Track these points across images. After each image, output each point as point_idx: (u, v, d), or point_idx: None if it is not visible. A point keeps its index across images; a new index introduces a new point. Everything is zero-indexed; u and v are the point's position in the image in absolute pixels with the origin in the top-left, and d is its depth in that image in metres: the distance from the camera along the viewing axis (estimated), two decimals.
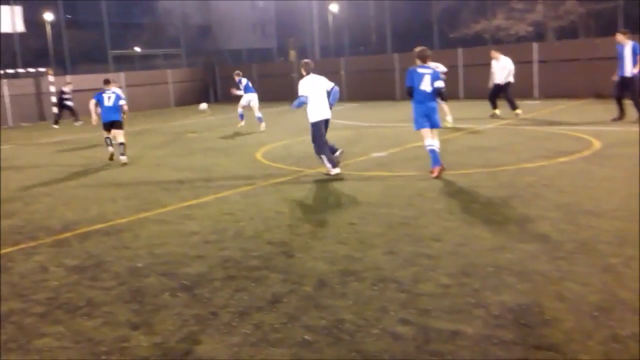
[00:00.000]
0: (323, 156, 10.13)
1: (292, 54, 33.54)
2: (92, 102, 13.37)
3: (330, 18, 37.96)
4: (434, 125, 9.40)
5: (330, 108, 10.44)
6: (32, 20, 33.53)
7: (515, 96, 17.98)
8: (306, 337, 4.23)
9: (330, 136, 14.76)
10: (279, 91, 29.88)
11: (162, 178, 10.77)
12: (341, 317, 4.51)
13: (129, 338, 4.40)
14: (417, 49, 9.49)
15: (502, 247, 5.90)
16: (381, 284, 5.11)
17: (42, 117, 26.37)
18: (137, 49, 43.00)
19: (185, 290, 5.24)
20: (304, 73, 10.56)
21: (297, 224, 7.14)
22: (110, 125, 13.08)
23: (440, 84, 9.28)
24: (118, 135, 13.08)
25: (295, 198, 8.51)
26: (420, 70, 9.29)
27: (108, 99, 13.17)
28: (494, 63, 16.77)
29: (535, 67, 22.78)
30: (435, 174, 9.30)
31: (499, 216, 7.02)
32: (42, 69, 26.56)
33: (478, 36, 28.80)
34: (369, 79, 26.90)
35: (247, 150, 13.55)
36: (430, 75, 9.24)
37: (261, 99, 29.85)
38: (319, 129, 10.21)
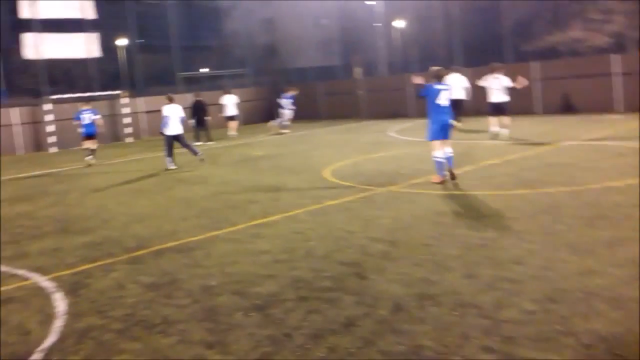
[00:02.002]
0: (167, 158, 15.61)
1: (357, 71, 33.44)
2: (76, 122, 18.16)
3: (395, 34, 37.81)
4: (446, 137, 10.41)
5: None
6: (107, 46, 34.94)
7: (595, 110, 17.97)
8: None
9: (400, 154, 14.66)
10: (345, 109, 29.90)
11: (231, 197, 10.84)
12: (420, 342, 4.34)
13: (204, 357, 4.38)
14: (434, 69, 10.73)
15: (590, 271, 5.57)
16: (461, 309, 4.90)
17: (115, 137, 27.27)
18: (205, 70, 44.10)
19: (258, 310, 5.20)
20: (168, 101, 15.90)
21: (369, 244, 6.98)
22: (88, 137, 18.03)
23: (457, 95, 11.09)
24: (93, 144, 18.13)
25: (366, 217, 8.35)
26: (436, 86, 10.38)
27: (86, 118, 17.93)
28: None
29: (617, 79, 21.78)
30: (436, 181, 10.35)
31: (586, 238, 6.65)
32: (115, 92, 27.51)
33: (553, 49, 27.83)
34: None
35: (314, 168, 13.50)
36: (447, 91, 10.45)
37: (327, 117, 30.41)
38: (170, 139, 15.55)
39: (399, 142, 17.92)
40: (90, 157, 17.99)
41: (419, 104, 27.04)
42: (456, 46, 29.96)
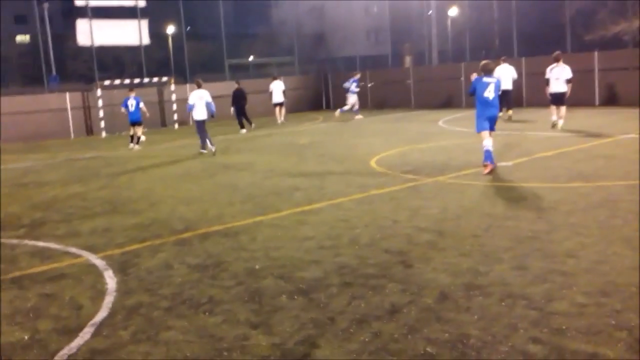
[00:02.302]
0: (203, 141, 15.84)
1: (408, 60, 33.00)
2: (123, 108, 18.54)
3: (449, 22, 37.15)
4: (492, 128, 10.67)
5: (213, 115, 16.21)
6: (155, 33, 35.44)
7: None
8: (428, 349, 4.07)
9: (449, 145, 14.45)
10: (394, 98, 29.60)
11: (276, 183, 10.87)
12: (466, 331, 4.28)
13: (248, 337, 4.43)
14: (482, 63, 10.98)
15: None
16: (509, 300, 4.80)
17: (163, 123, 27.57)
18: (252, 58, 44.30)
19: (302, 293, 5.22)
20: (197, 87, 16.35)
21: (414, 234, 6.91)
22: (134, 123, 18.39)
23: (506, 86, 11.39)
24: (138, 130, 18.57)
25: (412, 206, 8.26)
26: (485, 79, 10.61)
27: (132, 105, 18.28)
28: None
29: None
30: (487, 171, 10.36)
31: None
32: (164, 79, 27.85)
33: (617, 38, 26.67)
34: None
35: (360, 157, 13.43)
36: (494, 84, 10.58)
37: (375, 106, 30.23)
38: (201, 124, 15.90)
39: (449, 132, 17.65)
40: (133, 144, 18.61)
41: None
42: (512, 35, 29.08)
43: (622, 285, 4.96)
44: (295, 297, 5.14)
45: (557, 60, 16.00)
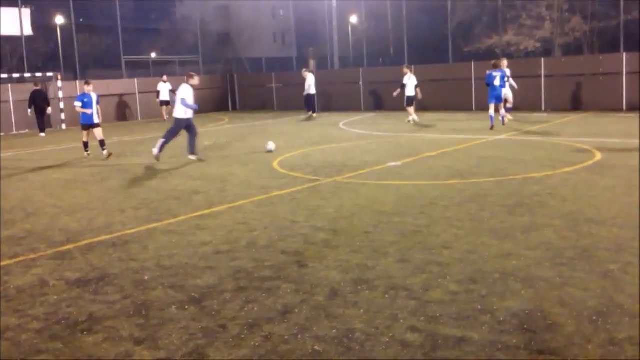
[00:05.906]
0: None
1: (312, 63, 33.44)
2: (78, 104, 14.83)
3: (350, 29, 37.96)
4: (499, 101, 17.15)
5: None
6: (41, 24, 33.11)
7: (523, 109, 22.07)
8: (316, 347, 4.17)
9: (348, 146, 14.87)
10: (298, 100, 29.87)
11: (175, 187, 10.52)
12: (352, 326, 4.46)
13: (131, 354, 4.21)
14: (494, 61, 17.17)
15: (508, 254, 5.97)
16: (392, 292, 5.10)
17: (48, 123, 24.28)
18: (153, 55, 42.69)
19: (194, 302, 5.07)
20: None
21: (311, 233, 7.06)
22: (91, 125, 14.91)
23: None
24: (99, 133, 14.90)
25: (311, 207, 8.44)
26: (494, 73, 17.03)
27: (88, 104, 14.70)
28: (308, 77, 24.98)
29: (543, 81, 23.52)
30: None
31: (506, 224, 7.11)
32: (50, 74, 25.44)
33: (490, 51, 29.41)
34: (385, 89, 26.99)
35: (263, 159, 13.48)
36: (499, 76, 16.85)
37: (280, 108, 30.33)
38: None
39: (349, 134, 18.18)
40: (105, 151, 15.00)
41: (370, 98, 27.84)
42: (403, 44, 30.75)
43: (488, 273, 5.45)
44: (186, 306, 4.98)
45: (409, 71, 21.06)
